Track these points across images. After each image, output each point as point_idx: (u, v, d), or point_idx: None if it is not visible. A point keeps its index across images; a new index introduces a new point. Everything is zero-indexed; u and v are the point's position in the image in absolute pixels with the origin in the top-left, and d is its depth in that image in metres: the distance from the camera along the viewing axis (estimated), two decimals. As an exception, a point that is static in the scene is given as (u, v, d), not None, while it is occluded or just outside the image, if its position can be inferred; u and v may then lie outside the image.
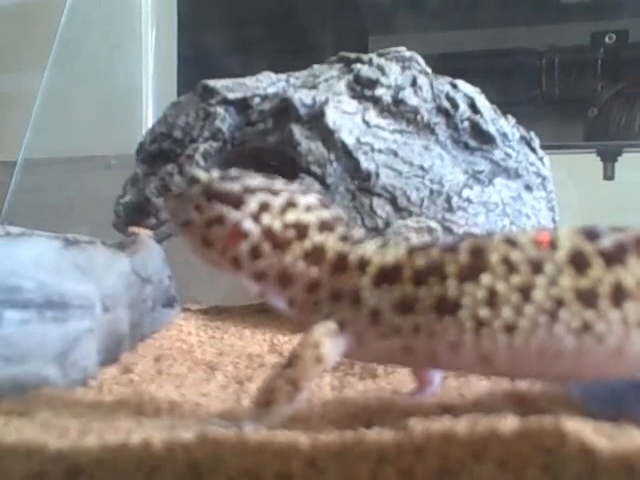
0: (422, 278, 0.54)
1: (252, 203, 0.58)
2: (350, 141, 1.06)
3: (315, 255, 0.58)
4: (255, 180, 0.60)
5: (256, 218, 0.58)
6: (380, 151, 1.06)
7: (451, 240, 0.56)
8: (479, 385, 0.70)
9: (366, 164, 1.05)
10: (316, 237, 0.58)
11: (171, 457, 0.48)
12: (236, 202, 0.59)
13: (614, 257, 0.50)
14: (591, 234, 0.51)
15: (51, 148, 2.03)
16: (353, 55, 1.18)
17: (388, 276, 0.55)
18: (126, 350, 0.87)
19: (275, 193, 0.59)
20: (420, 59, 1.17)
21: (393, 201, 1.04)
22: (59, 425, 0.55)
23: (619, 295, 0.49)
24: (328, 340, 0.55)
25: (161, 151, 1.20)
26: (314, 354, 0.54)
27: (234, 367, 0.82)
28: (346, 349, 0.56)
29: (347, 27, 1.99)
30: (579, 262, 0.50)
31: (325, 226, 0.59)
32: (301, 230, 0.58)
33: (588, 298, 0.49)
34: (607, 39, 1.83)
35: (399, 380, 0.74)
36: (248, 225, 0.58)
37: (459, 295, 0.52)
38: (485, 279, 0.52)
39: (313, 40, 1.91)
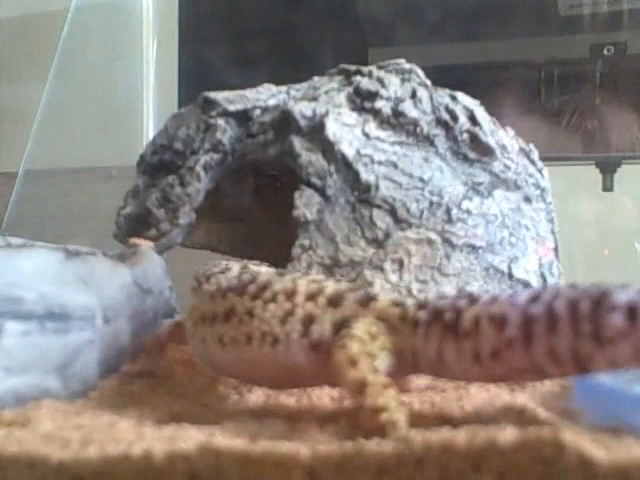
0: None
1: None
2: (350, 153, 1.06)
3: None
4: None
5: None
6: (380, 163, 1.07)
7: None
8: (479, 396, 0.71)
9: (366, 176, 1.05)
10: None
11: (172, 468, 0.48)
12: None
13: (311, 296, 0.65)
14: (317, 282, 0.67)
15: (52, 159, 2.04)
16: (353, 67, 1.18)
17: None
18: (127, 361, 0.87)
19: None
20: (419, 71, 1.18)
21: (393, 213, 1.04)
22: (60, 436, 0.55)
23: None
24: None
25: (162, 163, 1.20)
26: None
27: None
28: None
29: (347, 39, 2.00)
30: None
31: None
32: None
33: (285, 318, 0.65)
34: (606, 51, 1.84)
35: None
36: None
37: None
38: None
39: (313, 52, 1.91)
